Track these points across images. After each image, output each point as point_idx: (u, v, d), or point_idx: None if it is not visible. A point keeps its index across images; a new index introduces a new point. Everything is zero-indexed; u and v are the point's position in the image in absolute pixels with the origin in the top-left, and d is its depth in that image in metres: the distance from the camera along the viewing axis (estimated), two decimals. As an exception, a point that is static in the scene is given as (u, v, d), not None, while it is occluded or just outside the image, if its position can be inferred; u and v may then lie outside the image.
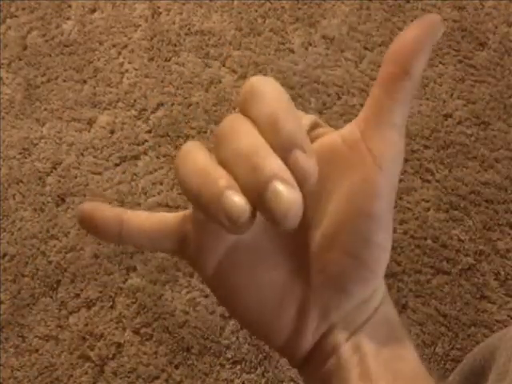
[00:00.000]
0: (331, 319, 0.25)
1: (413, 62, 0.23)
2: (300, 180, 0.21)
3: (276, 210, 0.20)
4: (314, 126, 0.26)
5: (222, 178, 0.21)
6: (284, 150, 0.21)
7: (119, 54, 1.04)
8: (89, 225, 0.26)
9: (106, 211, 0.26)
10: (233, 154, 0.22)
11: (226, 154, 0.22)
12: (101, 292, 0.86)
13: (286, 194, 0.20)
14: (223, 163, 0.22)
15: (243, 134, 0.22)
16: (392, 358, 0.25)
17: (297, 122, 0.22)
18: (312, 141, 0.26)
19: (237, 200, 0.21)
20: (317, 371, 0.25)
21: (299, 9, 1.07)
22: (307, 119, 0.26)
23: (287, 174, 0.21)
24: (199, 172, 0.22)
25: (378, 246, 0.24)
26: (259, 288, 0.26)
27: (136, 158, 0.95)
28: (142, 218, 0.26)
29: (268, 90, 0.23)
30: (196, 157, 0.23)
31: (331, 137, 0.25)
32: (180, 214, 0.27)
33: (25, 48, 1.06)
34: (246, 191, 0.21)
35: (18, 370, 0.83)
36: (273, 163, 0.21)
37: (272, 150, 0.21)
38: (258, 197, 0.21)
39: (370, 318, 0.25)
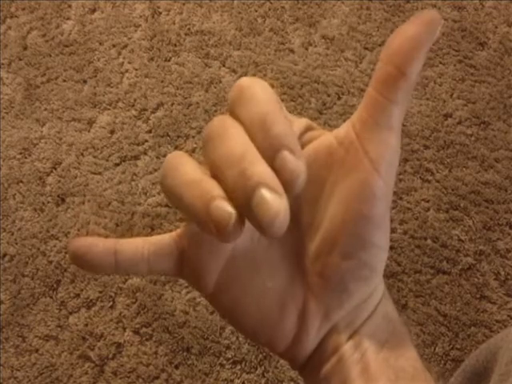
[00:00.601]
0: (332, 320, 0.25)
1: (410, 63, 0.22)
2: (288, 181, 0.21)
3: (262, 217, 0.20)
4: (307, 130, 0.26)
5: (211, 188, 0.21)
6: (272, 151, 0.21)
7: (119, 54, 1.04)
8: (81, 262, 0.26)
9: (97, 246, 0.26)
10: (221, 158, 0.22)
11: (215, 157, 0.22)
12: (101, 292, 0.86)
13: (272, 201, 0.20)
14: (212, 167, 0.22)
15: (232, 138, 0.22)
16: (392, 355, 0.25)
17: (285, 123, 0.22)
18: (305, 144, 0.25)
19: (225, 209, 0.21)
20: (318, 371, 0.25)
21: (299, 9, 1.07)
22: (300, 123, 0.26)
23: (274, 181, 0.20)
24: (190, 184, 0.22)
25: (377, 247, 0.24)
26: (259, 297, 0.26)
27: (136, 158, 0.95)
28: (138, 244, 0.26)
29: (257, 92, 0.22)
30: (185, 169, 0.23)
31: (326, 139, 0.25)
32: (175, 232, 0.27)
33: (25, 48, 1.06)
34: (233, 197, 0.21)
35: (18, 370, 0.83)
36: (260, 169, 0.21)
37: (260, 153, 0.21)
38: (245, 203, 0.20)
39: (370, 316, 0.25)
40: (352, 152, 0.24)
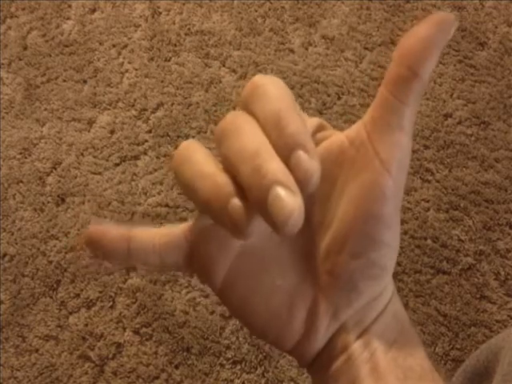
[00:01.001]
0: (342, 318, 0.25)
1: (422, 63, 0.22)
2: (302, 181, 0.21)
3: (277, 215, 0.20)
4: (319, 129, 0.26)
5: (227, 184, 0.21)
6: (287, 149, 0.21)
7: (119, 54, 1.04)
8: (96, 247, 0.26)
9: (112, 231, 0.26)
10: (235, 153, 0.22)
11: (229, 152, 0.22)
12: (101, 292, 0.86)
13: (287, 199, 0.20)
14: (226, 162, 0.22)
15: (246, 134, 0.22)
16: (401, 354, 0.25)
17: (300, 121, 0.22)
18: (317, 143, 0.25)
19: (243, 209, 0.21)
20: (327, 369, 0.25)
21: (299, 9, 1.07)
22: (312, 122, 0.26)
23: (289, 179, 0.20)
24: (205, 177, 0.22)
25: (387, 246, 0.24)
26: (268, 296, 0.26)
27: (136, 158, 0.95)
28: (150, 234, 0.26)
29: (271, 89, 0.22)
30: (199, 160, 0.23)
31: (338, 138, 0.25)
32: (185, 225, 0.26)
33: (25, 48, 1.06)
34: (248, 194, 0.21)
35: (18, 370, 0.83)
36: (275, 167, 0.21)
37: (275, 149, 0.21)
38: (260, 201, 0.20)
39: (379, 315, 0.25)
40: (363, 152, 0.24)
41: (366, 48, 1.03)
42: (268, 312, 0.26)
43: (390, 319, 0.26)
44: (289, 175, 0.20)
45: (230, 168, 0.22)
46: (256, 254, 0.26)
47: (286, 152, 0.21)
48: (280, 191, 0.20)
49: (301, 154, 0.21)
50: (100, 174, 0.94)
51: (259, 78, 0.23)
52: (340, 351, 0.25)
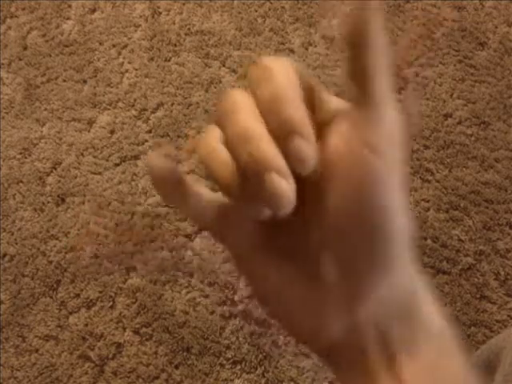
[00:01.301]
0: (354, 313, 0.24)
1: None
2: (297, 167, 0.21)
3: (269, 198, 0.21)
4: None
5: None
6: (283, 134, 0.21)
7: (119, 54, 1.04)
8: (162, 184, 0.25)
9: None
10: (233, 135, 0.22)
11: (228, 133, 0.23)
12: (101, 292, 0.86)
13: (279, 185, 0.21)
14: (226, 141, 0.23)
15: (244, 117, 0.22)
16: (428, 364, 0.23)
17: (299, 107, 0.21)
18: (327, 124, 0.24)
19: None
20: (348, 369, 0.24)
21: (299, 9, 1.07)
22: (339, 105, 0.24)
23: (281, 164, 0.21)
24: (222, 164, 0.23)
25: (390, 234, 0.23)
26: (263, 275, 0.25)
27: (136, 158, 0.95)
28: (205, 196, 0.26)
29: (276, 73, 0.22)
30: (215, 147, 0.23)
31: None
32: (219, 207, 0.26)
33: (25, 48, 1.06)
34: (245, 173, 0.22)
35: (18, 370, 0.83)
36: (268, 154, 0.21)
37: (271, 133, 0.21)
38: (255, 184, 0.21)
39: (401, 317, 0.24)
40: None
41: (365, 48, 1.03)
42: (267, 291, 0.25)
43: (414, 324, 0.24)
44: (280, 160, 0.21)
45: (228, 146, 0.23)
46: (264, 233, 0.25)
47: (282, 136, 0.21)
48: (273, 177, 0.21)
49: (297, 140, 0.21)
50: (100, 174, 0.94)
51: (267, 60, 0.23)
52: (358, 352, 0.24)
